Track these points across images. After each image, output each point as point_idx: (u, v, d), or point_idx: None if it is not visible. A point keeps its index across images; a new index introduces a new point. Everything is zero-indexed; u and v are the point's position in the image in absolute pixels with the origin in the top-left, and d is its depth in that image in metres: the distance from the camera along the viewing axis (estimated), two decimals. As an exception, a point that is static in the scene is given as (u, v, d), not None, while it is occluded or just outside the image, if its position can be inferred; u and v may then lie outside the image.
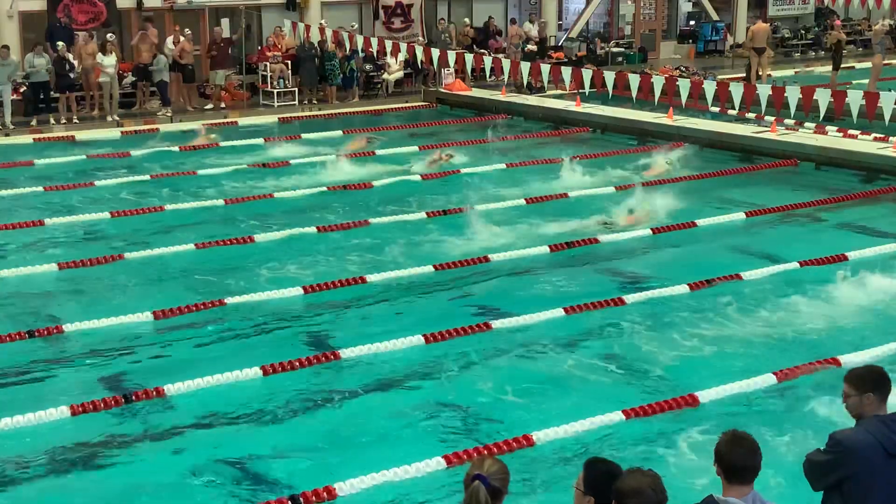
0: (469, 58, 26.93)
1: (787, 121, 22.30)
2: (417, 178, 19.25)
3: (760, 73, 28.70)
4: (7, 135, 22.94)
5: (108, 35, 25.41)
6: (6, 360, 10.86)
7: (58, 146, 22.32)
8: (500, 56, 28.50)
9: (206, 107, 26.34)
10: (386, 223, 16.18)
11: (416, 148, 21.88)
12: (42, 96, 24.25)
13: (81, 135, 23.30)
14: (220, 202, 17.47)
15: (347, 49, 27.35)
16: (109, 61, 24.45)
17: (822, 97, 21.08)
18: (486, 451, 8.40)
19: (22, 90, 24.44)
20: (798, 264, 13.72)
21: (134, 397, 9.79)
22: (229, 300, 12.49)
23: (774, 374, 10.16)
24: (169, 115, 25.07)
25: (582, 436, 8.96)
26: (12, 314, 12.35)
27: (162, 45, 25.88)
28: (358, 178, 19.19)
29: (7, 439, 9.09)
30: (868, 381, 5.66)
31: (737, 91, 22.46)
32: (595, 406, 9.42)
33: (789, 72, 32.42)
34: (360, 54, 27.67)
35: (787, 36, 37.35)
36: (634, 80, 23.88)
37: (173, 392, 9.89)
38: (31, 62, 23.74)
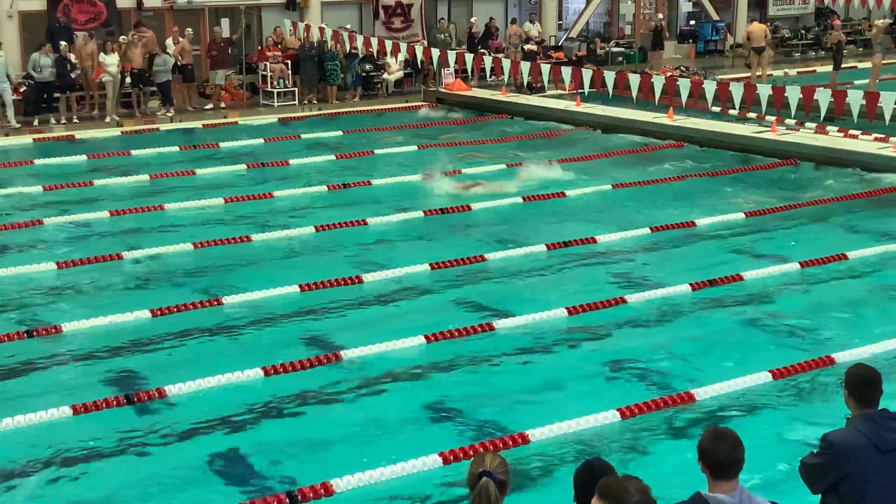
0: (469, 57, 26.94)
1: (787, 121, 22.30)
2: (416, 177, 19.23)
3: (760, 73, 28.70)
4: (7, 134, 22.94)
5: (122, 38, 25.45)
6: (5, 360, 10.86)
7: (58, 146, 22.33)
8: (500, 56, 28.50)
9: (207, 107, 26.34)
10: (384, 223, 16.18)
11: (415, 148, 21.89)
12: (45, 96, 24.24)
13: (81, 134, 23.32)
14: (220, 202, 17.47)
15: (348, 49, 27.35)
16: (112, 60, 24.45)
17: (823, 97, 21.07)
18: (482, 449, 8.40)
19: (22, 90, 24.41)
20: (798, 264, 13.71)
21: (136, 398, 9.80)
22: (227, 299, 12.50)
23: (770, 371, 10.17)
24: (169, 114, 25.07)
25: (578, 434, 8.97)
26: (11, 313, 12.35)
27: (161, 45, 25.82)
28: (357, 177, 19.18)
29: (7, 439, 9.08)
30: (847, 378, 5.71)
31: (737, 91, 22.45)
32: (591, 404, 9.43)
33: (790, 71, 32.38)
34: (360, 54, 27.64)
35: (787, 36, 37.33)
36: (634, 80, 23.87)
37: (174, 392, 9.90)
38: (37, 62, 23.73)
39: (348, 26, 28.23)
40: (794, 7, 38.99)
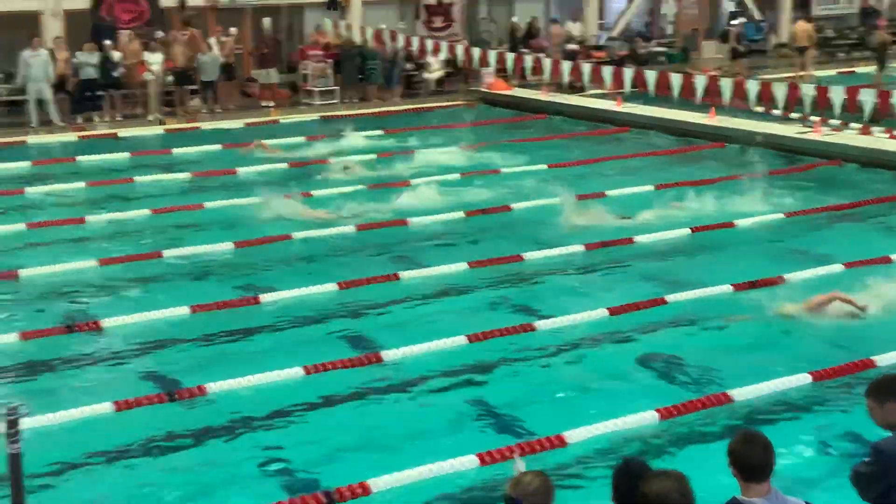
0: (510, 57, 26.91)
1: (832, 121, 22.08)
2: (457, 176, 19.21)
3: (803, 73, 28.42)
4: (51, 132, 23.18)
5: (159, 33, 25.66)
6: (45, 354, 10.97)
7: (101, 143, 22.54)
8: (541, 55, 28.43)
9: (266, 104, 26.39)
10: (425, 222, 16.17)
11: (456, 147, 21.88)
12: (90, 94, 24.46)
13: (124, 132, 23.52)
14: (260, 200, 17.50)
15: (389, 50, 27.43)
16: (156, 59, 24.65)
17: (867, 98, 20.83)
18: (518, 450, 8.36)
19: (69, 88, 24.56)
20: (843, 266, 13.56)
21: (177, 395, 9.85)
22: (266, 297, 12.55)
23: (810, 373, 10.07)
24: (217, 111, 25.24)
25: (614, 435, 8.93)
26: (52, 309, 12.48)
27: (203, 45, 25.91)
28: (396, 177, 19.19)
29: (49, 435, 9.15)
30: (885, 390, 5.62)
31: (780, 91, 22.24)
32: (630, 405, 9.38)
33: (832, 72, 32.08)
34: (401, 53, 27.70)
35: (831, 36, 36.95)
36: (676, 79, 23.71)
37: (214, 390, 9.92)
38: (82, 59, 23.94)
39: (401, 23, 28.18)
40: (838, 6, 38.61)
